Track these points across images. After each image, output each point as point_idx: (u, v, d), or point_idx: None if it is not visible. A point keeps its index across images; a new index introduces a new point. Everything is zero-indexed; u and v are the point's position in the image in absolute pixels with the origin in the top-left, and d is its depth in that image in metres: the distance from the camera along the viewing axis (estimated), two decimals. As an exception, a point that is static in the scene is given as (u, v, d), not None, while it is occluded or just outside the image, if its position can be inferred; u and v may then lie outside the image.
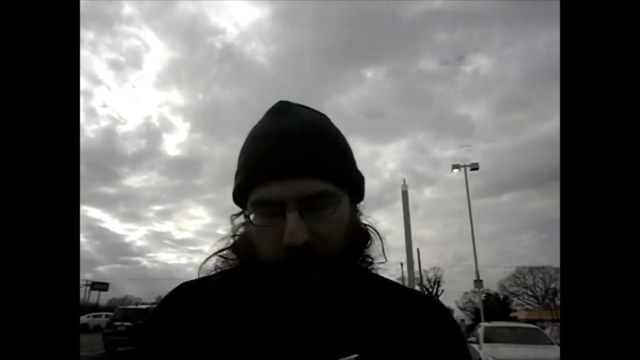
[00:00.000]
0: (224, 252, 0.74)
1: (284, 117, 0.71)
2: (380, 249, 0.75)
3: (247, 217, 0.69)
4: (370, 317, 0.66)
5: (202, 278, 0.74)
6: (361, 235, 0.73)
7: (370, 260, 0.73)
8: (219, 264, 0.74)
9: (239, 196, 0.70)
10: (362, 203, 0.76)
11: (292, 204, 0.62)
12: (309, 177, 0.64)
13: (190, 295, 0.71)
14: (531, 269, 53.09)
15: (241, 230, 0.74)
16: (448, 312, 0.73)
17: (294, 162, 0.64)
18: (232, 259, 0.73)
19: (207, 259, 0.74)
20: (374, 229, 0.75)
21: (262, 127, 0.72)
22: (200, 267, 0.74)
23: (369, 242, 0.73)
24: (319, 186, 0.64)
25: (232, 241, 0.74)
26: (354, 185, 0.71)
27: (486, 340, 10.17)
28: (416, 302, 0.72)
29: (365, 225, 0.75)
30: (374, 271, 0.75)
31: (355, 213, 0.74)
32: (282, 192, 0.63)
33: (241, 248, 0.71)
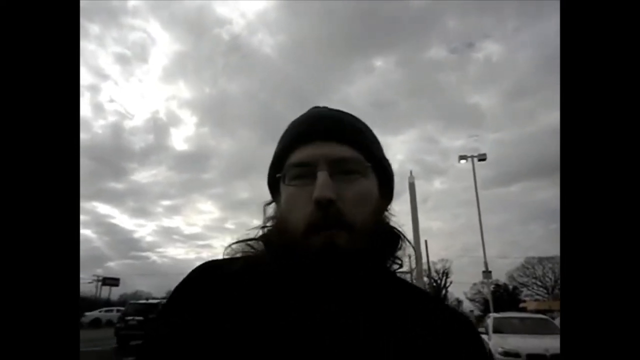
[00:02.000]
0: (252, 241, 0.75)
1: (320, 107, 0.82)
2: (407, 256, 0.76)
3: (282, 177, 0.74)
4: (384, 310, 0.66)
5: (227, 259, 0.74)
6: (391, 233, 0.75)
7: (399, 262, 0.75)
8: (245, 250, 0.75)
9: (278, 163, 0.76)
10: (393, 207, 0.80)
11: (322, 164, 0.69)
12: (340, 143, 0.72)
13: (213, 276, 0.70)
14: (540, 259, 52.83)
15: (271, 218, 0.77)
16: (476, 330, 0.72)
17: (327, 128, 0.73)
18: (258, 249, 0.74)
19: (234, 243, 0.75)
20: (404, 235, 0.76)
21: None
22: (225, 251, 0.75)
23: (400, 244, 0.75)
24: (347, 152, 0.72)
25: (260, 232, 0.76)
26: (381, 166, 0.77)
27: (495, 331, 10.16)
28: (442, 313, 0.71)
29: (396, 228, 0.76)
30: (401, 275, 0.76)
31: (384, 205, 0.77)
32: (314, 154, 0.71)
33: (271, 231, 0.74)
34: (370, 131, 0.82)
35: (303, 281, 0.65)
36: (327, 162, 0.69)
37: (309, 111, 0.82)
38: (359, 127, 0.78)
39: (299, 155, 0.72)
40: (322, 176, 0.67)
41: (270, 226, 0.76)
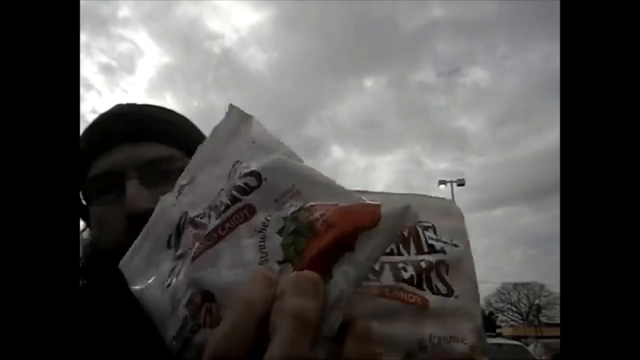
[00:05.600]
0: None
1: (122, 104, 0.69)
2: None
3: (85, 195, 0.60)
4: None
5: None
6: None
7: None
8: None
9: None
10: None
11: (131, 171, 0.57)
12: (149, 142, 0.60)
13: None
14: (515, 285, 53.30)
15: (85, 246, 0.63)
16: None
17: (131, 127, 0.61)
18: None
19: None
20: None
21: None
22: None
23: None
24: (160, 151, 0.60)
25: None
26: None
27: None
28: None
29: None
30: None
31: None
32: (119, 160, 0.58)
33: (85, 263, 0.61)
34: (187, 121, 0.71)
35: (131, 317, 0.49)
36: (136, 167, 0.57)
37: (107, 110, 0.67)
38: (169, 119, 0.67)
39: (101, 164, 0.59)
40: (131, 186, 0.55)
41: (82, 257, 0.62)
